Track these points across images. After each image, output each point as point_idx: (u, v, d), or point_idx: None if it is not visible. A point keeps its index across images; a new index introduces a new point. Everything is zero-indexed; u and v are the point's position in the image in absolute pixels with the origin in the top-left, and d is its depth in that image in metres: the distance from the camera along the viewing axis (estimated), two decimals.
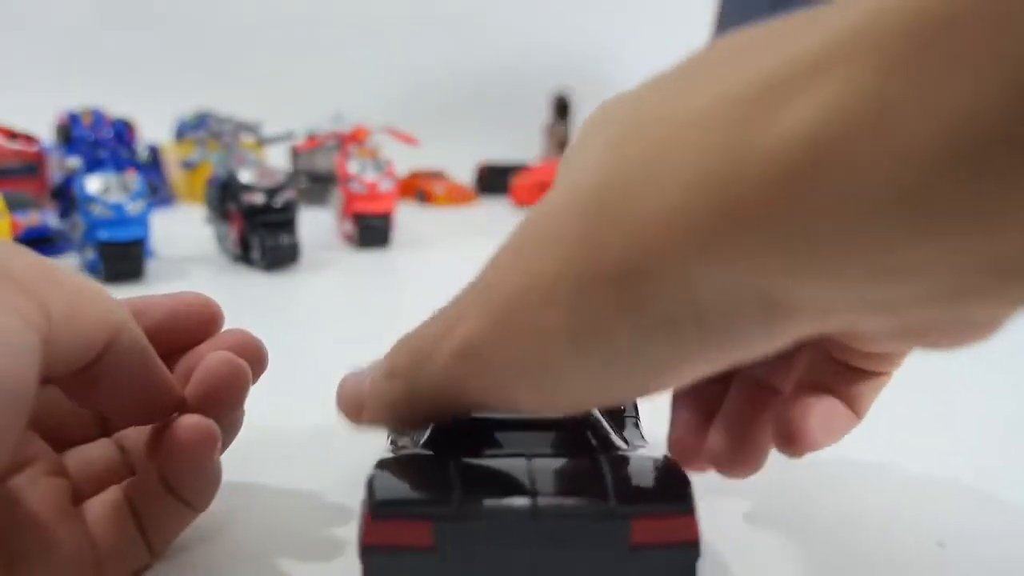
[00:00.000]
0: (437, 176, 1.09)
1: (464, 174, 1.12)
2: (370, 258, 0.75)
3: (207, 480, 0.26)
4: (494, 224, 0.92)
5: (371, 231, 0.77)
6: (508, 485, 0.24)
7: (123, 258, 0.64)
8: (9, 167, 0.87)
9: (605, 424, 0.27)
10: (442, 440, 0.26)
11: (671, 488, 0.24)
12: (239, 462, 0.31)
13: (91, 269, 0.66)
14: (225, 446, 0.28)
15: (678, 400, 0.29)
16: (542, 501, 0.23)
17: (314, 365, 0.48)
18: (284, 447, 0.37)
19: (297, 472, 0.35)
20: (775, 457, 0.36)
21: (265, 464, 0.35)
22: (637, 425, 0.30)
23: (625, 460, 0.25)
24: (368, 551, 0.23)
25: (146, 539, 0.26)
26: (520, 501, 0.23)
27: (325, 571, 0.28)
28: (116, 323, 0.23)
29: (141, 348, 0.25)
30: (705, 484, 0.33)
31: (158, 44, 1.42)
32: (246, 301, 0.61)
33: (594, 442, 0.26)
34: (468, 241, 0.83)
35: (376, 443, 0.36)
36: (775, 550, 0.29)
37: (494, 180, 1.10)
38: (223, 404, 0.27)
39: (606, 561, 0.23)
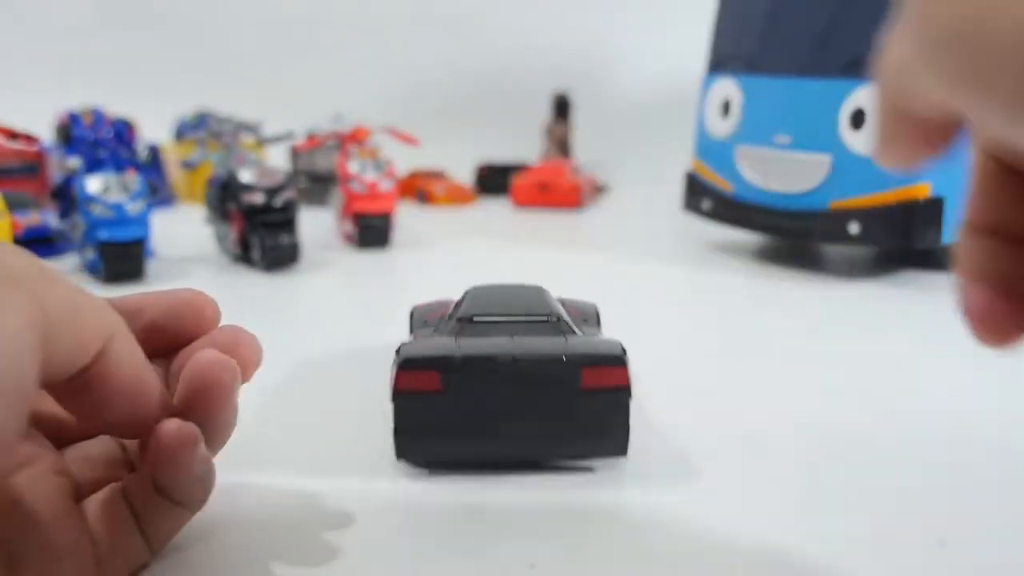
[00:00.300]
0: (437, 176, 1.09)
1: (464, 174, 1.12)
2: (370, 258, 0.75)
3: (192, 482, 0.26)
4: (494, 224, 0.92)
5: (371, 231, 0.77)
6: (495, 348, 0.34)
7: (123, 258, 0.64)
8: (9, 167, 0.87)
9: (570, 322, 0.37)
10: (450, 332, 0.36)
11: (611, 350, 0.34)
12: (238, 461, 0.31)
13: (91, 269, 0.66)
14: (220, 444, 0.28)
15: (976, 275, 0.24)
16: (519, 357, 0.33)
17: (314, 365, 0.48)
18: (283, 446, 0.37)
19: (296, 472, 0.35)
20: (773, 457, 0.36)
21: (264, 463, 0.35)
22: (598, 324, 0.42)
23: (582, 337, 0.36)
24: (397, 394, 0.33)
25: (145, 538, 0.26)
26: (503, 356, 0.33)
27: (324, 570, 0.28)
28: (110, 329, 0.23)
29: (134, 356, 0.25)
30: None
31: (158, 44, 1.42)
32: (246, 301, 0.61)
33: (561, 330, 0.36)
34: (468, 241, 0.83)
35: (373, 446, 0.36)
36: (773, 547, 0.29)
37: (494, 180, 1.10)
38: (211, 404, 0.26)
39: (565, 401, 0.33)
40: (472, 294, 0.40)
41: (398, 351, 0.34)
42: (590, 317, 0.42)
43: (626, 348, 0.34)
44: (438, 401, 0.33)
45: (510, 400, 0.33)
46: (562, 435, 0.34)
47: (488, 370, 0.33)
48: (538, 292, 0.40)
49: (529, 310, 0.37)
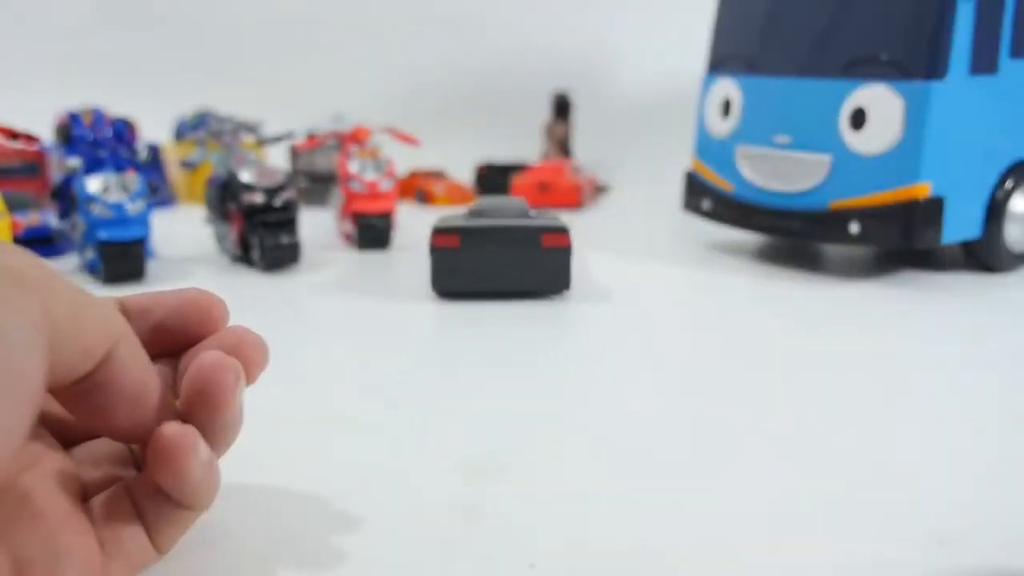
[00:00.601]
0: (437, 176, 1.09)
1: (464, 174, 1.12)
2: (370, 258, 0.75)
3: (194, 485, 0.26)
4: None
5: (371, 231, 0.76)
6: (492, 223, 0.60)
7: (123, 258, 0.64)
8: (9, 167, 0.87)
9: (536, 215, 0.63)
10: (465, 218, 0.62)
11: (559, 224, 0.60)
12: (241, 462, 0.31)
13: (91, 269, 0.66)
14: (225, 446, 0.28)
15: None
16: (505, 227, 0.59)
17: (314, 366, 0.48)
18: (286, 447, 0.37)
19: (298, 473, 0.35)
20: (773, 455, 0.36)
21: (267, 464, 0.35)
22: (556, 219, 0.62)
23: (543, 219, 0.61)
24: (434, 249, 0.59)
25: (151, 538, 0.26)
26: (497, 227, 0.59)
27: (328, 571, 0.28)
28: (116, 335, 0.23)
29: (138, 362, 0.24)
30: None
31: (158, 44, 1.42)
32: (246, 301, 0.61)
33: (530, 217, 0.62)
34: None
35: (373, 448, 0.36)
36: (772, 546, 0.29)
37: (494, 180, 1.09)
38: (214, 405, 0.26)
39: (531, 255, 0.59)
40: (479, 201, 0.65)
41: (434, 223, 0.61)
42: (556, 217, 0.63)
43: (568, 226, 0.60)
44: (457, 254, 0.60)
45: (500, 254, 0.59)
46: (531, 276, 0.60)
47: (488, 235, 0.59)
48: (521, 201, 0.65)
49: (513, 208, 0.63)
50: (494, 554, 0.29)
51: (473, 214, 0.62)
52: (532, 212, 0.63)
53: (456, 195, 1.04)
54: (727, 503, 0.32)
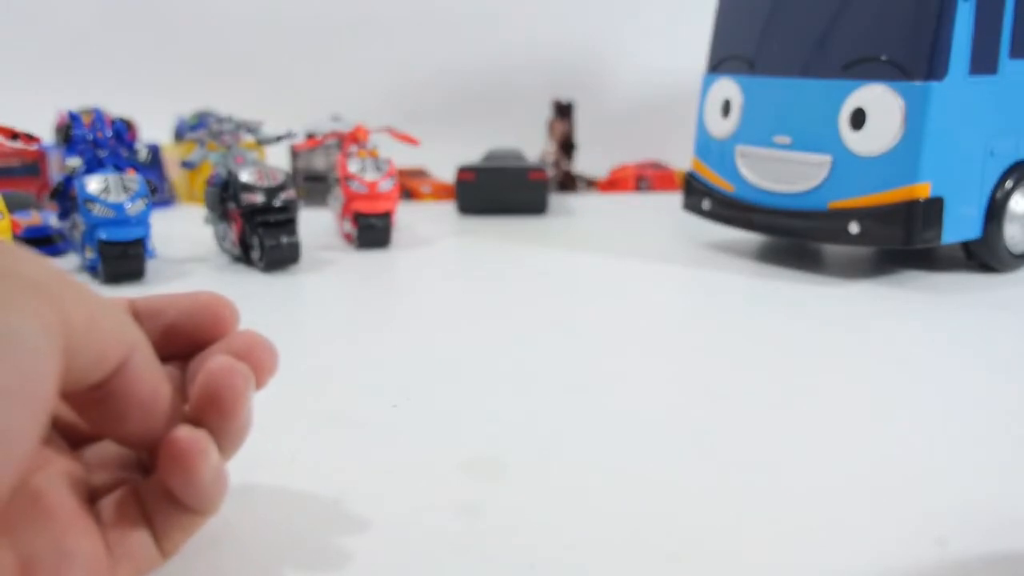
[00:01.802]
0: (419, 174, 1.11)
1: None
2: (370, 258, 0.75)
3: (202, 490, 0.26)
4: (496, 224, 0.92)
5: (371, 230, 0.76)
6: (498, 163, 0.94)
7: (123, 258, 0.64)
8: (10, 167, 0.87)
9: (528, 159, 1.01)
10: (480, 161, 0.98)
11: (539, 165, 0.94)
12: (242, 463, 0.31)
13: (91, 269, 0.66)
14: (234, 450, 0.28)
15: None
16: (505, 166, 0.93)
17: (314, 365, 0.48)
18: (285, 447, 0.37)
19: (299, 473, 0.35)
20: (773, 456, 0.36)
21: (268, 464, 0.35)
22: (538, 163, 0.98)
23: (529, 163, 0.96)
24: (459, 181, 0.92)
25: (157, 541, 0.26)
26: (500, 166, 0.93)
27: (328, 571, 0.28)
28: (131, 342, 0.23)
29: (152, 371, 0.24)
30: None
31: (158, 44, 1.42)
32: (246, 301, 0.61)
33: (523, 160, 1.00)
34: (468, 240, 0.83)
35: (373, 448, 0.36)
36: (772, 546, 0.29)
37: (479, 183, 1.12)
38: (224, 410, 0.26)
39: (522, 185, 0.92)
40: (490, 150, 0.99)
41: (458, 166, 0.91)
42: (539, 162, 0.87)
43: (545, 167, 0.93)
44: (474, 186, 0.91)
45: (502, 186, 0.91)
46: (520, 201, 0.91)
47: (494, 172, 0.91)
48: (517, 150, 1.00)
49: (512, 155, 0.97)
50: (494, 554, 0.29)
51: (485, 159, 0.96)
52: (524, 155, 1.00)
53: (441, 192, 1.06)
54: (727, 503, 0.32)
